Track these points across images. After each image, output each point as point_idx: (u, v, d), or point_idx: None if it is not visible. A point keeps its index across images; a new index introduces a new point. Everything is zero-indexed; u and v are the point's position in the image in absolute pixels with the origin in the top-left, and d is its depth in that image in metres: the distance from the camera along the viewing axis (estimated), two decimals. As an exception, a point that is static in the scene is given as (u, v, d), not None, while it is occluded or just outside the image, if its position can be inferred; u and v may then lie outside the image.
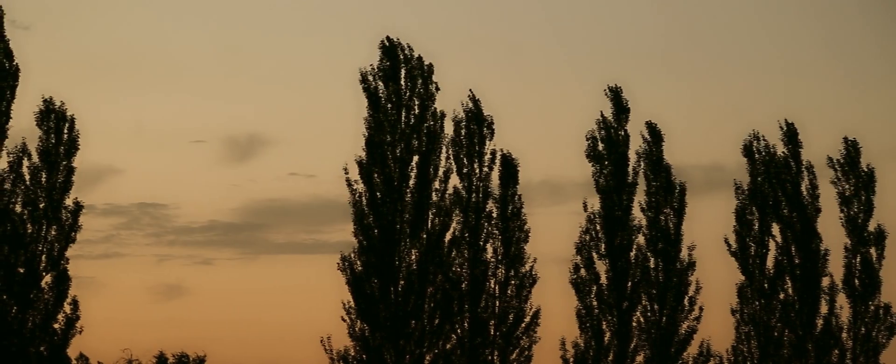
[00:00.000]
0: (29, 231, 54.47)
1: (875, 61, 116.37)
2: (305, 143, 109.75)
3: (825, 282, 66.58)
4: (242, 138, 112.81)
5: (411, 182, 58.56)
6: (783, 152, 67.70)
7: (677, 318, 63.08)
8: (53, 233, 54.75)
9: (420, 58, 59.33)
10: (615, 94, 64.22)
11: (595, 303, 62.24)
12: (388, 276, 57.81)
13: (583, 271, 62.42)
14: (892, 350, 66.96)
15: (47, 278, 54.56)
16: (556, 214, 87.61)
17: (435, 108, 59.27)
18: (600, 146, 63.55)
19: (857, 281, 67.03)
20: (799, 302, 66.08)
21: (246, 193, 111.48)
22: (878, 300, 67.00)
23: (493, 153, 60.74)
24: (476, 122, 60.69)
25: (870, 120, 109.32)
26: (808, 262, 66.34)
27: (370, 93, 58.87)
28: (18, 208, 54.52)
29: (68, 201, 55.10)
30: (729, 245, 66.41)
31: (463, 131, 60.44)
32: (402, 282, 57.97)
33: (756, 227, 66.64)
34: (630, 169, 63.63)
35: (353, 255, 57.96)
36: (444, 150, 59.29)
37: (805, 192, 67.20)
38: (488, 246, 60.40)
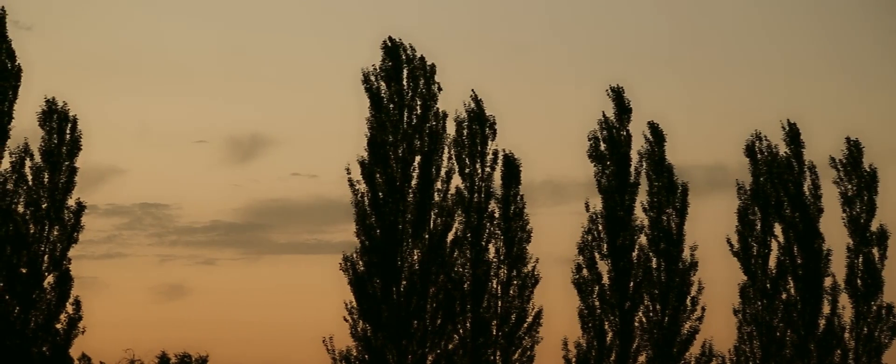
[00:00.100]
0: (31, 231, 54.46)
1: (877, 61, 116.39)
2: (308, 143, 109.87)
3: (827, 282, 66.65)
4: (245, 139, 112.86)
5: (413, 182, 58.55)
6: (785, 152, 67.72)
7: (679, 318, 63.08)
8: (56, 233, 54.75)
9: (422, 58, 59.34)
10: (617, 95, 64.22)
11: (597, 303, 62.25)
12: (391, 276, 57.80)
13: (585, 271, 62.44)
14: (895, 350, 67.06)
15: (50, 278, 54.56)
16: (559, 214, 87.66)
17: (437, 109, 59.28)
18: (602, 146, 63.54)
19: (859, 281, 67.04)
20: (801, 302, 66.08)
21: (248, 194, 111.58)
22: (880, 300, 67.04)
23: (496, 153, 60.76)
24: (478, 123, 60.70)
25: (872, 120, 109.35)
26: (811, 263, 66.34)
27: (372, 93, 58.86)
28: (21, 209, 54.50)
29: (71, 201, 55.12)
30: (731, 245, 66.43)
31: (465, 131, 60.44)
32: (404, 282, 57.96)
33: (758, 227, 66.64)
34: (632, 169, 63.64)
35: (355, 256, 57.96)
36: (446, 150, 59.30)
37: (807, 193, 67.21)
38: (490, 246, 60.42)
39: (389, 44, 59.31)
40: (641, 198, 63.83)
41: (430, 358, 58.14)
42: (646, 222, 63.72)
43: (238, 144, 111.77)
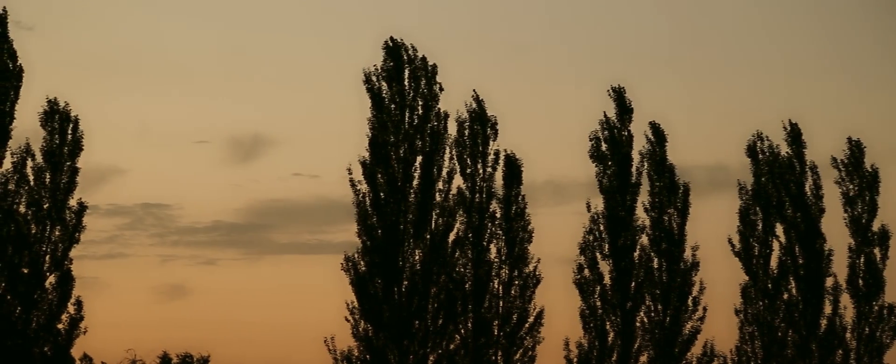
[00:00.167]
0: (33, 231, 54.48)
1: (879, 61, 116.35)
2: (309, 143, 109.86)
3: (829, 282, 66.61)
4: (246, 139, 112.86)
5: (415, 182, 58.55)
6: (787, 152, 67.70)
7: (681, 318, 63.08)
8: (57, 233, 54.76)
9: (424, 58, 59.33)
10: (618, 95, 64.22)
11: (599, 303, 62.26)
12: (392, 276, 57.81)
13: (586, 271, 62.44)
14: (896, 350, 67.06)
15: (51, 279, 54.58)
16: (560, 215, 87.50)
17: (439, 109, 59.28)
18: (604, 146, 63.54)
19: (860, 281, 67.01)
20: (803, 302, 66.07)
21: (249, 194, 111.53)
22: (881, 300, 67.01)
23: (497, 153, 60.77)
24: (480, 123, 60.70)
25: (874, 120, 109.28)
26: (812, 263, 66.32)
27: (374, 93, 58.86)
28: (22, 209, 54.53)
29: (72, 202, 55.14)
30: (732, 245, 66.41)
31: (466, 132, 60.44)
32: (405, 282, 57.97)
33: (760, 227, 66.63)
34: (633, 169, 63.64)
35: (356, 256, 57.97)
36: (447, 150, 59.30)
37: (809, 193, 67.19)
38: (492, 246, 60.43)
39: (391, 44, 59.30)
40: (643, 198, 63.92)
41: (431, 358, 58.14)
42: (647, 222, 63.74)
43: (239, 144, 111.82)
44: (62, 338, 54.48)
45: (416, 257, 58.21)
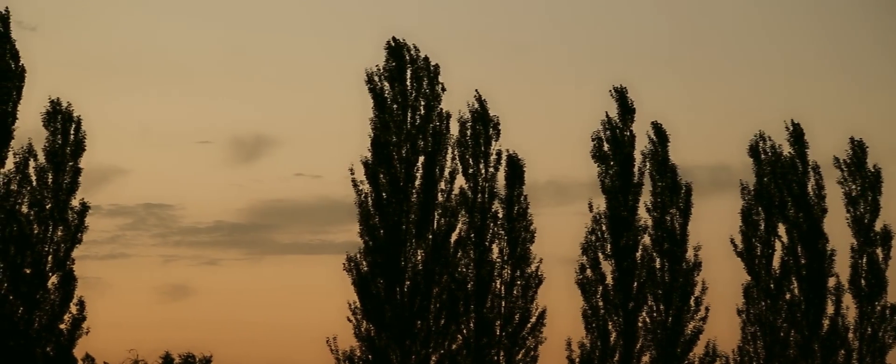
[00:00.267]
0: (35, 232, 54.50)
1: (881, 61, 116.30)
2: (311, 143, 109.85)
3: (831, 282, 66.60)
4: (248, 139, 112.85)
5: (417, 182, 58.57)
6: (789, 152, 67.68)
7: (683, 318, 63.07)
8: (60, 233, 54.78)
9: (426, 58, 59.35)
10: (620, 95, 64.21)
11: (601, 303, 62.26)
12: (394, 276, 57.83)
13: (589, 272, 62.44)
14: (899, 350, 67.03)
15: (53, 279, 54.59)
16: (562, 215, 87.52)
17: (441, 109, 59.30)
18: (606, 147, 63.54)
19: (863, 281, 66.99)
20: (805, 302, 66.06)
21: (252, 194, 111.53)
22: (884, 300, 67.00)
23: (499, 154, 60.76)
24: (482, 123, 60.69)
25: (876, 120, 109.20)
26: (815, 263, 66.31)
27: (376, 93, 58.87)
28: (25, 209, 54.55)
29: (74, 202, 55.13)
30: (735, 245, 66.39)
31: (469, 132, 60.44)
32: (407, 282, 57.99)
33: (762, 227, 66.61)
34: (635, 169, 63.63)
35: (358, 256, 57.99)
36: (449, 150, 59.32)
37: (811, 193, 67.18)
38: (494, 246, 60.43)
39: (393, 44, 59.32)
40: (645, 198, 63.89)
41: (433, 358, 58.16)
42: (649, 222, 63.73)
43: (242, 145, 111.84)
44: (64, 338, 54.50)
45: (419, 257, 58.23)
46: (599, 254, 62.63)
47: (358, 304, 57.79)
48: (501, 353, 59.92)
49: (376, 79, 58.95)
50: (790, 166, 67.28)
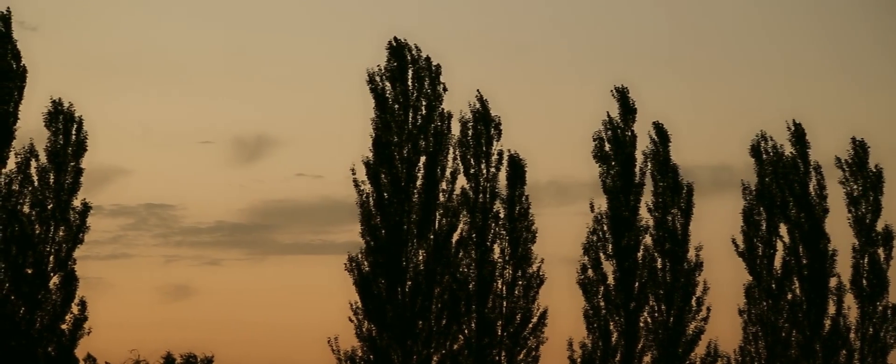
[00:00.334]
0: (37, 232, 54.53)
1: (883, 61, 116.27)
2: (313, 143, 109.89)
3: (833, 282, 66.58)
4: (250, 139, 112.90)
5: (418, 183, 58.58)
6: (791, 152, 67.69)
7: (685, 318, 63.06)
8: (61, 234, 54.81)
9: (428, 58, 59.36)
10: (622, 95, 64.21)
11: (602, 303, 62.27)
12: (396, 276, 57.84)
13: (590, 272, 62.45)
14: (901, 351, 66.99)
15: (55, 279, 54.61)
16: (564, 215, 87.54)
17: (442, 109, 59.31)
18: (607, 147, 63.54)
19: (864, 281, 66.98)
20: (807, 302, 66.04)
21: (253, 194, 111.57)
22: (885, 300, 66.98)
23: (501, 154, 60.76)
24: (483, 123, 60.70)
25: (878, 120, 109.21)
26: (816, 263, 66.29)
27: (377, 93, 58.89)
28: (26, 209, 54.58)
29: (76, 202, 55.15)
30: (736, 245, 66.39)
31: (470, 132, 60.44)
32: (409, 282, 58.00)
33: (764, 227, 66.61)
34: (637, 169, 63.62)
35: (360, 256, 58.00)
36: (451, 150, 59.33)
37: (813, 193, 67.17)
38: (495, 246, 60.43)
39: (394, 44, 59.32)
40: (646, 198, 63.89)
41: (435, 358, 58.16)
42: (651, 223, 63.73)
43: (243, 145, 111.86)
44: (66, 338, 54.51)
45: (420, 257, 58.24)
46: (601, 254, 62.64)
47: (359, 304, 57.81)
48: (503, 354, 59.91)
49: (378, 79, 58.97)
50: (792, 166, 67.27)
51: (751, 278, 66.13)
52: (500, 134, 60.77)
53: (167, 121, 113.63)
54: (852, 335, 66.39)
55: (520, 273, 60.41)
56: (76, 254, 54.90)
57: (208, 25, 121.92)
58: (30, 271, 54.24)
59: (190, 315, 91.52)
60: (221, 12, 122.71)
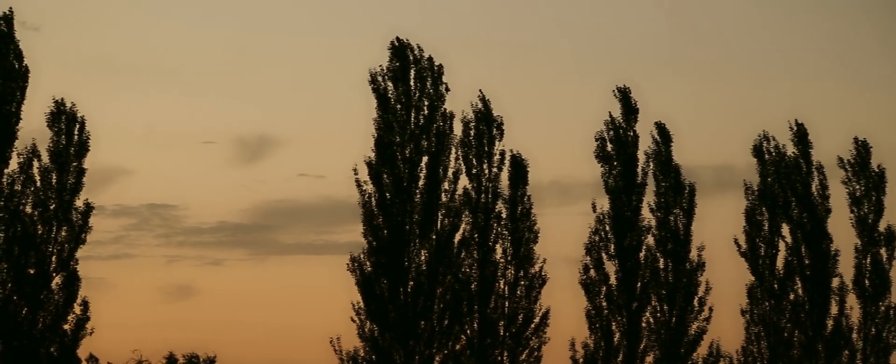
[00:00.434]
0: (39, 232, 54.54)
1: (885, 61, 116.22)
2: (315, 143, 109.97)
3: (835, 282, 66.58)
4: (252, 139, 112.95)
5: (421, 183, 58.58)
6: (793, 153, 67.67)
7: (687, 318, 63.05)
8: (64, 234, 54.81)
9: (430, 58, 59.35)
10: (624, 95, 64.19)
11: (604, 303, 62.25)
12: (398, 276, 57.83)
13: (592, 272, 62.43)
14: (903, 350, 66.95)
15: (57, 279, 54.63)
16: (566, 215, 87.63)
17: (444, 109, 59.31)
18: (609, 147, 63.53)
19: (867, 281, 66.98)
20: (809, 302, 66.03)
21: (255, 194, 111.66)
22: (888, 301, 66.98)
23: (503, 154, 60.76)
24: (485, 123, 60.69)
25: (880, 120, 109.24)
26: (819, 263, 66.28)
27: (379, 93, 58.89)
28: (29, 209, 54.59)
29: (78, 202, 55.16)
30: (739, 246, 66.39)
31: (472, 132, 60.43)
32: (411, 282, 58.00)
33: (766, 227, 66.60)
34: (639, 169, 63.59)
35: (362, 256, 58.00)
36: (453, 150, 59.34)
37: (815, 193, 67.15)
38: (498, 246, 60.42)
39: (397, 44, 59.32)
40: (648, 198, 63.87)
41: (437, 358, 58.16)
42: (653, 223, 63.72)
43: (245, 145, 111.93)
44: (68, 338, 54.53)
45: (422, 258, 58.24)
46: (603, 254, 62.63)
47: (361, 304, 57.81)
48: (505, 354, 59.90)
49: (380, 79, 58.96)
50: (794, 166, 67.26)
51: (753, 278, 66.12)
52: (502, 134, 60.80)
53: (169, 121, 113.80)
54: (855, 335, 66.39)
55: (522, 273, 60.40)
56: (78, 254, 54.97)
57: (211, 25, 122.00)
58: (32, 272, 54.24)
59: (192, 315, 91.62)
60: (224, 12, 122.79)
